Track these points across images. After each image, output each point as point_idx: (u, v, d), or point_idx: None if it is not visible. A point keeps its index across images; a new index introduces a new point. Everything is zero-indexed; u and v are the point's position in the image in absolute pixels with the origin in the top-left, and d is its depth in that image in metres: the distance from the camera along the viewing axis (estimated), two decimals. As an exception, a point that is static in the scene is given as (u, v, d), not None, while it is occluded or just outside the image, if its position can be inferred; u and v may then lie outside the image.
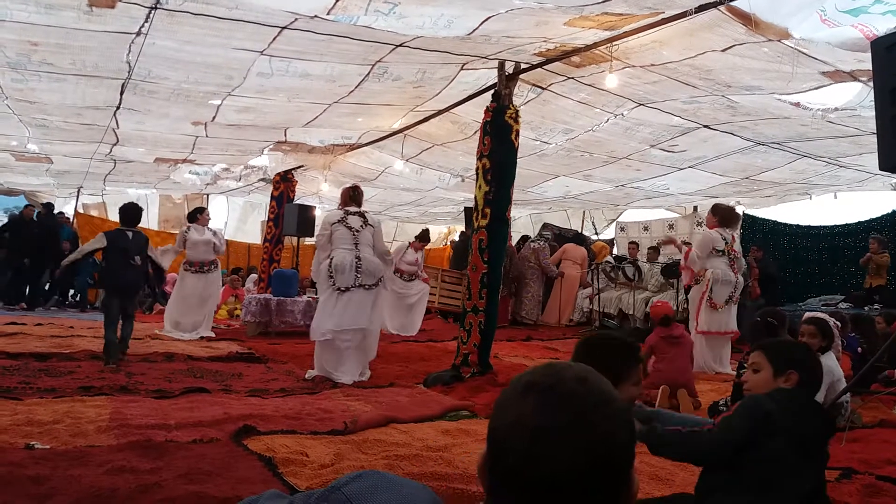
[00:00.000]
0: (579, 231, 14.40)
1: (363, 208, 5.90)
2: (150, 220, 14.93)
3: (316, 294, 9.52)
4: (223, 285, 12.42)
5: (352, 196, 5.87)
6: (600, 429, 0.85)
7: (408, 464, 3.21)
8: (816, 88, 5.45)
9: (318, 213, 10.88)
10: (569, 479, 0.83)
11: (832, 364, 4.47)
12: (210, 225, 8.79)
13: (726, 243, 6.66)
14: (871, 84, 3.95)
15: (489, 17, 4.37)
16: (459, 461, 3.23)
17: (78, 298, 13.06)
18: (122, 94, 6.48)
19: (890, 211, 10.27)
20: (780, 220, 11.71)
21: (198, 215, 8.63)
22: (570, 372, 0.91)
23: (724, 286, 6.62)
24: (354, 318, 5.60)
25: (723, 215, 6.85)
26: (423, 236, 10.40)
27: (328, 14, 4.26)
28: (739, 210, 11.21)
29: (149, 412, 4.05)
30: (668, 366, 4.95)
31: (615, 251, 13.59)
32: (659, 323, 5.11)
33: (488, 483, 0.90)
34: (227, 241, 10.21)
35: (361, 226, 5.70)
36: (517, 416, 0.87)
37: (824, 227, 11.11)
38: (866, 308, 8.71)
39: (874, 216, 10.47)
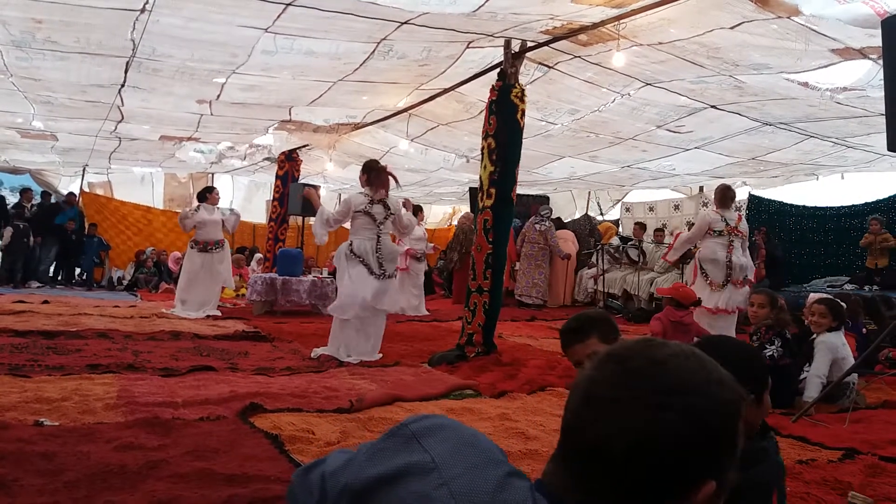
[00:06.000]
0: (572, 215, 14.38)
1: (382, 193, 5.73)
2: (155, 199, 14.96)
3: (321, 274, 9.59)
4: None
5: (370, 180, 5.67)
6: (648, 413, 0.82)
7: (413, 442, 3.22)
8: (825, 67, 5.39)
9: (324, 193, 10.88)
10: (608, 454, 0.83)
11: (838, 343, 4.50)
12: (219, 204, 8.81)
13: (726, 224, 6.59)
14: (881, 62, 3.92)
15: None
16: (464, 440, 3.24)
17: (84, 277, 13.12)
18: (126, 72, 6.46)
19: (897, 192, 10.20)
20: (786, 200, 11.65)
21: (207, 194, 8.65)
22: (655, 352, 0.88)
23: (714, 265, 6.52)
24: (389, 300, 5.74)
25: (717, 196, 6.82)
26: (414, 211, 10.48)
27: (333, -10, 4.23)
28: (743, 190, 11.16)
29: (156, 390, 4.08)
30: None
31: (621, 231, 13.57)
32: (677, 305, 5.04)
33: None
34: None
35: (385, 217, 5.67)
36: (582, 379, 0.90)
37: (830, 208, 11.04)
38: (866, 288, 8.68)
39: (881, 197, 10.39)
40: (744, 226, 6.75)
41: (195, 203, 8.59)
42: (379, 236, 5.64)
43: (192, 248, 8.43)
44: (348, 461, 1.03)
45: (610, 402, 0.85)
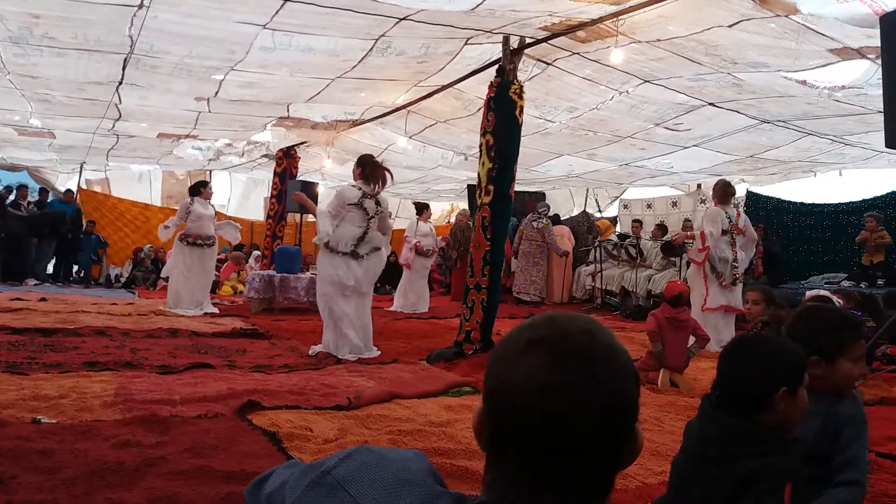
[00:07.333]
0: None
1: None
2: (153, 196, 14.96)
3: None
4: (226, 261, 12.50)
5: (364, 174, 5.65)
6: (609, 384, 0.83)
7: (411, 439, 3.23)
8: (823, 66, 5.40)
9: (322, 190, 10.88)
10: (580, 437, 0.81)
11: None
12: (213, 201, 8.81)
13: (730, 221, 6.65)
14: (879, 61, 3.92)
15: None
16: (462, 436, 3.26)
17: (82, 275, 13.11)
18: (124, 69, 6.44)
19: (895, 189, 10.21)
20: (784, 197, 11.67)
21: (201, 189, 8.62)
22: (575, 325, 0.86)
23: (722, 264, 6.60)
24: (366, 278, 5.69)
25: (717, 193, 6.85)
26: (420, 208, 10.53)
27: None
28: (741, 187, 11.17)
29: (154, 387, 4.08)
30: (669, 349, 4.95)
31: (618, 228, 13.58)
32: (669, 302, 5.06)
33: (491, 445, 0.87)
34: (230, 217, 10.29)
35: (376, 212, 5.66)
36: (524, 375, 0.83)
37: (828, 204, 11.05)
38: (862, 284, 8.67)
39: (879, 194, 10.41)
40: (742, 220, 6.79)
41: (188, 198, 8.57)
42: (368, 230, 5.62)
43: (181, 242, 8.35)
44: (281, 487, 0.97)
45: (573, 387, 0.81)
